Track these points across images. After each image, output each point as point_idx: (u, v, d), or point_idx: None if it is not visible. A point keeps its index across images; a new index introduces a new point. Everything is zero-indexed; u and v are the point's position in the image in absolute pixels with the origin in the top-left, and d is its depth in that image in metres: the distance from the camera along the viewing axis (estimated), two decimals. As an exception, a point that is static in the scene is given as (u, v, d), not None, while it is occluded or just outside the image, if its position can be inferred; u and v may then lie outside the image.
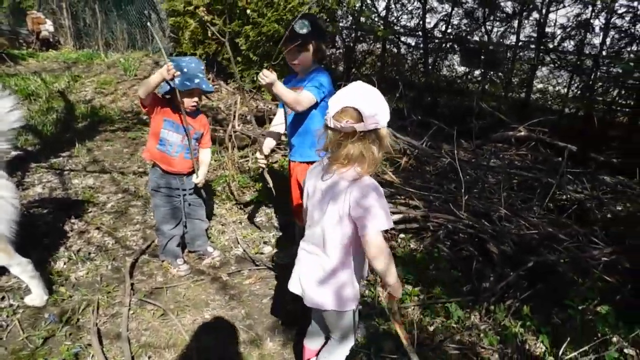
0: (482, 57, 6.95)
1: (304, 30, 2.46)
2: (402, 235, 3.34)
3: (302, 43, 2.47)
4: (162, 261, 3.09)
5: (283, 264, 3.02)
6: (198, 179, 2.90)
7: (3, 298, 2.63)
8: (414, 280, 2.87)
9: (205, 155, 2.98)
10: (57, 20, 10.39)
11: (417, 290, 2.77)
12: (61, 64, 8.25)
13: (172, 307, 2.67)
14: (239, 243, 3.41)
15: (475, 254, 3.03)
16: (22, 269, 2.50)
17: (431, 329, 2.52)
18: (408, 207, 3.38)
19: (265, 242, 3.47)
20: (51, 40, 10.03)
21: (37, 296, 2.59)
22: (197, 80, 2.64)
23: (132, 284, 2.84)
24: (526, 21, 6.42)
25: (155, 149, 2.81)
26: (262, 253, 3.34)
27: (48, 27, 9.73)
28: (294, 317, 2.60)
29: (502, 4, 6.52)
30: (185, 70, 2.62)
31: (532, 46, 6.42)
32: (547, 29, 6.26)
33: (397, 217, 3.28)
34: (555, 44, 6.35)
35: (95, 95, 6.78)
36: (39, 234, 3.29)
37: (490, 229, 3.04)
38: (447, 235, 3.23)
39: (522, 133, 4.84)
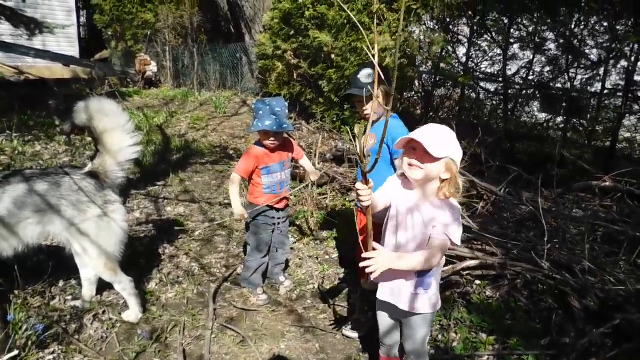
0: (564, 104, 6.77)
1: (370, 80, 2.50)
2: (477, 282, 3.32)
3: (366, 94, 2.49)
4: (244, 288, 3.29)
5: (355, 302, 3.09)
6: (314, 175, 3.35)
7: (104, 312, 2.88)
8: (488, 328, 2.84)
9: (305, 161, 3.31)
10: (160, 62, 11.51)
11: (492, 339, 2.73)
12: (161, 101, 9.10)
13: (250, 335, 2.80)
14: (315, 278, 3.54)
15: (555, 306, 2.95)
16: (123, 287, 2.77)
17: (506, 380, 2.48)
18: (485, 253, 3.36)
19: (340, 279, 3.57)
20: (154, 79, 11.11)
21: (133, 313, 2.83)
22: (267, 123, 2.86)
23: (215, 309, 3.01)
24: (613, 69, 6.21)
25: (264, 194, 3.10)
26: (336, 289, 3.44)
27: (152, 67, 10.82)
28: (366, 356, 2.68)
29: (587, 51, 6.38)
30: (261, 112, 2.89)
31: (620, 94, 6.17)
32: (637, 77, 6.01)
33: (473, 262, 3.28)
34: (646, 92, 6.07)
35: (189, 130, 7.40)
36: (135, 256, 3.56)
37: (573, 281, 2.95)
38: (525, 285, 3.17)
39: (608, 183, 4.64)
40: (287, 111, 3.01)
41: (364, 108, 2.60)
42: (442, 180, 1.84)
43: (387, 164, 2.57)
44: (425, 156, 1.78)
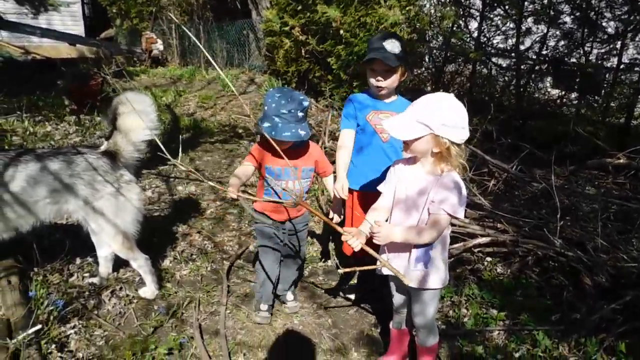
0: (578, 79, 6.66)
1: (397, 50, 2.31)
2: (488, 259, 3.34)
3: (394, 64, 2.32)
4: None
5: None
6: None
7: (121, 288, 2.93)
8: (499, 304, 2.87)
9: (327, 183, 2.74)
10: (166, 40, 11.42)
11: (502, 315, 2.75)
12: (168, 80, 9.07)
13: (264, 310, 2.84)
14: (329, 256, 3.52)
15: (566, 283, 2.96)
16: (140, 264, 2.82)
17: (516, 355, 2.50)
18: (496, 230, 3.37)
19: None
20: (160, 58, 11.05)
21: (149, 289, 2.88)
22: (266, 125, 2.31)
23: (228, 286, 3.06)
24: (631, 42, 6.06)
25: (263, 198, 2.58)
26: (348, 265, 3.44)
27: (159, 46, 10.77)
28: (378, 330, 2.73)
29: (604, 24, 6.23)
30: (265, 108, 2.36)
31: (636, 69, 6.05)
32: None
33: (484, 239, 3.29)
34: (664, 66, 5.96)
35: (197, 109, 7.38)
36: (149, 234, 3.55)
37: (585, 258, 2.96)
38: (537, 262, 3.18)
39: (622, 161, 4.60)
40: (300, 113, 2.33)
41: (379, 79, 2.38)
42: (434, 154, 1.86)
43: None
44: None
